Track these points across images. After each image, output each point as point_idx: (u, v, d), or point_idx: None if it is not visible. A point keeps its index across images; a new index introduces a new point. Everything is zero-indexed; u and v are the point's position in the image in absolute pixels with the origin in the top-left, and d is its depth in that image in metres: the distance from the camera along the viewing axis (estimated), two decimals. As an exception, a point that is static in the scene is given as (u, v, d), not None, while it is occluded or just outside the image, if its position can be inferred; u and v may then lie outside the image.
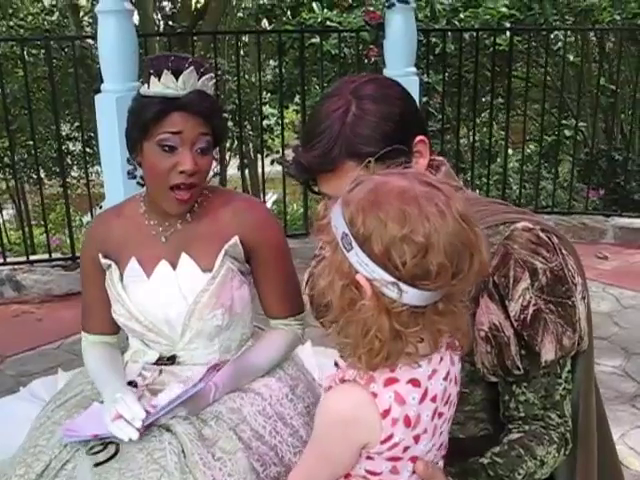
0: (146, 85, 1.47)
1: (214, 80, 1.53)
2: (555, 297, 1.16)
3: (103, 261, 1.59)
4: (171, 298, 1.55)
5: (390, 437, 0.96)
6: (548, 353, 1.16)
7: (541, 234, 1.18)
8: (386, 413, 0.95)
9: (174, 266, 1.56)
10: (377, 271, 0.90)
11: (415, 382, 0.97)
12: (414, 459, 1.01)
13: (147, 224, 1.59)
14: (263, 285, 1.64)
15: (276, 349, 1.63)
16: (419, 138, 1.19)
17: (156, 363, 1.60)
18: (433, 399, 1.00)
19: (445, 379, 1.02)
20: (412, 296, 0.91)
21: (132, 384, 1.55)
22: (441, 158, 1.30)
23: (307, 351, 2.55)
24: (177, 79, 1.44)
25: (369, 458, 0.99)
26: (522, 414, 1.21)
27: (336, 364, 1.60)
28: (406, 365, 0.97)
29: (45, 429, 1.50)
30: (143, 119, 1.46)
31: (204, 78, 1.48)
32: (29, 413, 2.08)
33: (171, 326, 1.57)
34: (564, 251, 1.20)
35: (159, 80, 1.44)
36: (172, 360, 1.60)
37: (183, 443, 1.38)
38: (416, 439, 0.99)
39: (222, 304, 1.54)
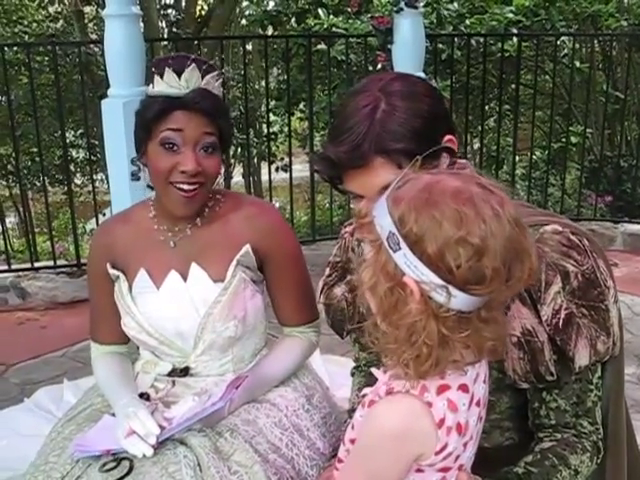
0: (151, 85, 1.45)
1: (221, 79, 1.49)
2: (587, 301, 1.13)
3: (111, 271, 1.54)
4: (183, 311, 1.50)
5: (445, 447, 0.92)
6: (582, 358, 1.12)
7: (572, 237, 1.15)
8: (441, 422, 0.91)
9: (184, 277, 1.51)
10: (427, 274, 0.86)
11: (464, 387, 0.94)
12: (460, 467, 0.98)
13: (156, 229, 1.54)
14: (277, 293, 1.59)
15: (292, 359, 1.59)
16: (448, 137, 1.17)
17: (169, 375, 1.55)
18: (477, 403, 0.97)
19: (484, 382, 0.99)
20: (460, 301, 0.86)
21: (144, 396, 1.50)
22: (464, 161, 1.28)
23: (316, 359, 2.51)
24: (179, 78, 1.41)
25: (419, 471, 0.95)
26: (553, 422, 1.18)
27: (353, 374, 1.57)
28: (454, 370, 0.93)
29: (55, 445, 1.45)
30: (146, 118, 1.43)
31: (209, 76, 1.44)
32: (34, 425, 2.05)
33: (183, 338, 1.52)
34: (595, 254, 1.17)
35: (162, 79, 1.41)
36: (185, 372, 1.55)
37: (199, 456, 1.33)
38: (465, 446, 0.96)
39: (235, 315, 1.49)
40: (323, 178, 1.21)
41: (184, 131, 1.41)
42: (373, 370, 1.00)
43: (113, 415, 1.44)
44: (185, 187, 1.43)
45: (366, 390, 1.00)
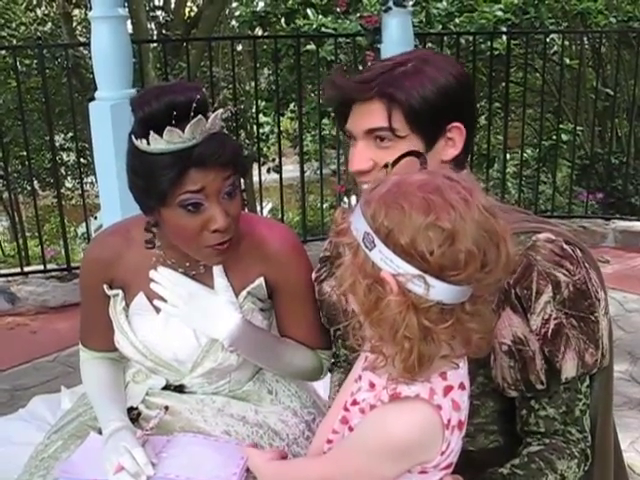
0: (144, 141, 1.23)
1: (220, 112, 1.29)
2: (577, 312, 1.11)
3: (109, 292, 1.45)
4: (182, 339, 1.41)
5: (448, 445, 0.93)
6: (569, 370, 1.12)
7: (565, 246, 1.14)
8: (448, 423, 0.92)
9: None
10: (402, 266, 0.86)
11: (463, 385, 0.95)
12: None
13: (163, 261, 1.41)
14: (288, 321, 1.48)
15: (302, 357, 1.48)
16: (455, 124, 1.16)
17: (162, 389, 1.49)
18: (470, 396, 0.98)
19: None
20: (439, 291, 0.86)
21: (133, 412, 1.44)
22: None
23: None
24: (183, 131, 1.21)
25: (423, 472, 0.95)
26: (542, 429, 1.17)
27: (331, 370, 1.55)
28: (452, 369, 0.93)
29: (41, 464, 1.39)
30: (158, 188, 1.24)
31: (212, 117, 1.25)
32: (28, 434, 2.02)
33: (180, 362, 1.45)
34: (587, 264, 1.15)
35: (161, 137, 1.22)
36: (180, 390, 1.49)
37: None
38: (462, 440, 0.97)
39: None
40: (330, 107, 1.27)
41: (205, 189, 1.25)
42: (367, 374, 0.98)
43: (100, 432, 1.39)
44: (219, 246, 1.31)
45: (363, 395, 0.98)
